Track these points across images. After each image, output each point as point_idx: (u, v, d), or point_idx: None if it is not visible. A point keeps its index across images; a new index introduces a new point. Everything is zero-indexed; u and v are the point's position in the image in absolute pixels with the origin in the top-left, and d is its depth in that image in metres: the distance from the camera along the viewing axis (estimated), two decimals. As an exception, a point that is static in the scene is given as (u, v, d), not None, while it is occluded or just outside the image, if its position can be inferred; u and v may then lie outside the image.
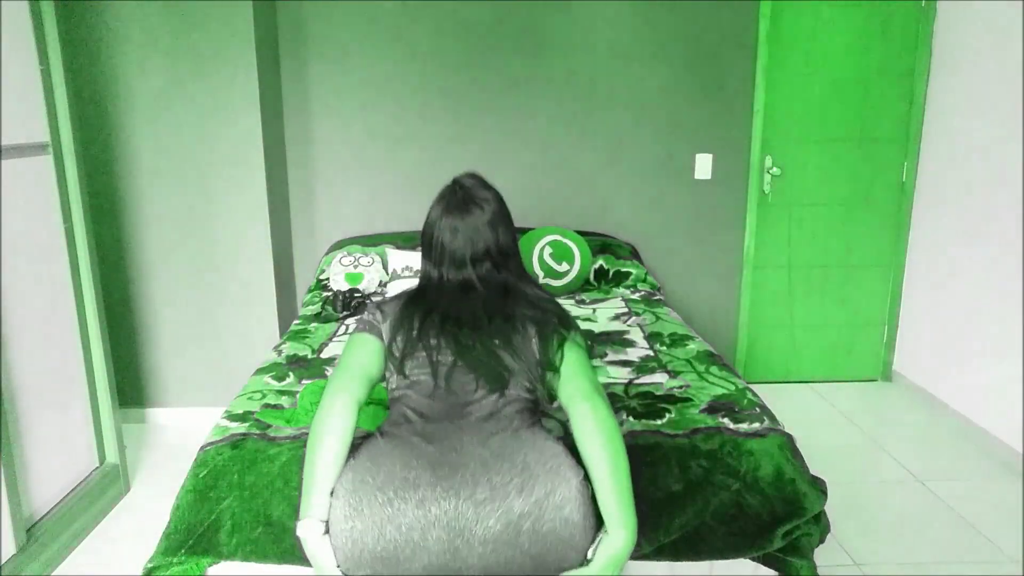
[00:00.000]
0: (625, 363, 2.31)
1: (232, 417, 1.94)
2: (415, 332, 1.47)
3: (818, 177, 3.66)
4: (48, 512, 2.35)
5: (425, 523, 1.28)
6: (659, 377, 2.19)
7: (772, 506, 1.75)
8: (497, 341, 1.45)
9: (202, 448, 1.81)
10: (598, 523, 1.37)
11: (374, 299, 1.48)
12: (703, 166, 3.62)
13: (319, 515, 1.35)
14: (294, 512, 1.69)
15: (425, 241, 1.53)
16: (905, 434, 3.27)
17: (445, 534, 1.28)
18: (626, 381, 2.16)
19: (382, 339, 1.49)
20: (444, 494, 1.29)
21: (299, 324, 2.74)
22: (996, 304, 3.08)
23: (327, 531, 1.35)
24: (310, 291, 3.23)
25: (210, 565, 1.70)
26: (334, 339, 2.56)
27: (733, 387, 2.12)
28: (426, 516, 1.28)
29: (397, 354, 1.47)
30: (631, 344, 2.51)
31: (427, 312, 1.48)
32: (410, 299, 1.53)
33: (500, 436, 1.38)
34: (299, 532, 1.36)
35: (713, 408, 1.97)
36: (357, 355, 1.48)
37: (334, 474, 1.35)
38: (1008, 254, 3.01)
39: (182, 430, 3.29)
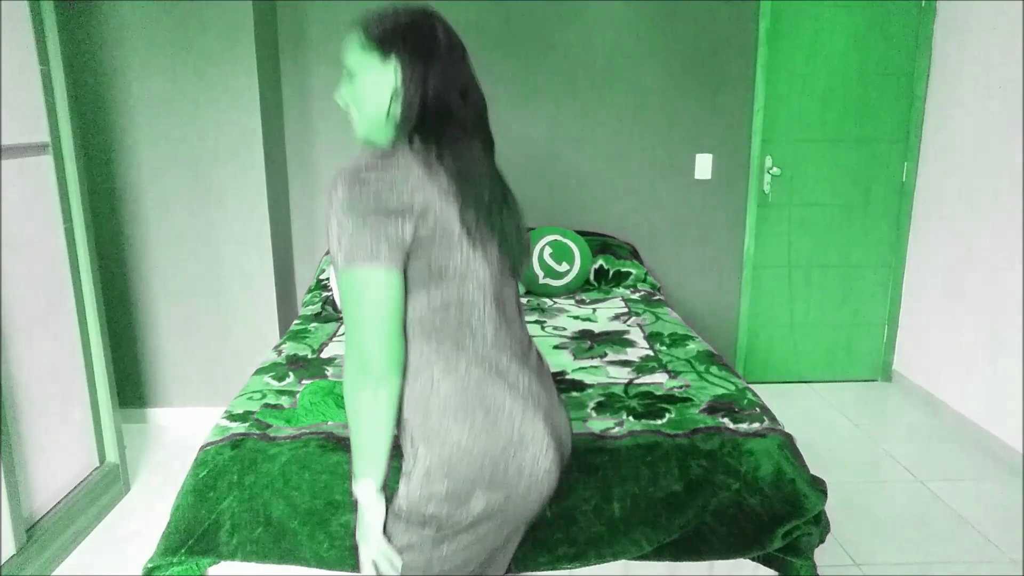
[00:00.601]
0: (625, 363, 2.31)
1: (232, 417, 1.94)
2: (485, 203, 1.23)
3: (818, 177, 3.66)
4: (48, 512, 2.35)
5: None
6: (659, 377, 2.19)
7: (772, 506, 1.75)
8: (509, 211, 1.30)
9: (202, 448, 1.81)
10: None
11: (364, 176, 1.16)
12: (703, 166, 3.62)
13: (377, 477, 1.24)
14: (294, 512, 1.69)
15: (439, 104, 1.25)
16: (905, 434, 3.27)
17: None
18: (626, 381, 2.16)
19: (405, 258, 1.18)
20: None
21: (299, 324, 2.74)
22: (996, 304, 3.08)
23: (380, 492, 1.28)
24: (310, 291, 3.23)
25: (210, 565, 1.70)
26: (334, 339, 2.56)
27: (733, 387, 2.12)
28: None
29: (472, 232, 1.20)
30: (631, 344, 2.51)
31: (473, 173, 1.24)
32: (453, 157, 1.22)
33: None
34: (356, 492, 1.26)
35: (713, 408, 1.97)
36: (392, 312, 1.18)
37: (388, 440, 1.23)
38: (1008, 254, 3.01)
39: (182, 430, 3.29)
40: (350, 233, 1.14)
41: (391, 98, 1.23)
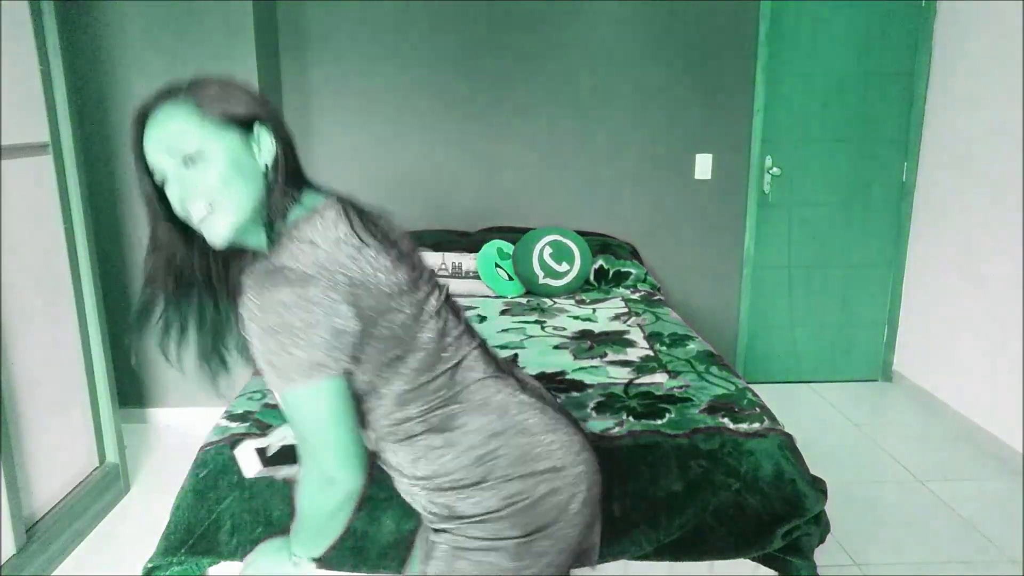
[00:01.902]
0: (625, 363, 2.31)
1: (232, 417, 1.94)
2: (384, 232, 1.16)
3: (818, 177, 3.66)
4: (48, 512, 2.35)
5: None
6: (659, 377, 2.19)
7: (772, 506, 1.75)
8: None
9: (202, 448, 1.81)
10: None
11: (276, 277, 1.01)
12: (703, 166, 3.62)
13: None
14: (294, 512, 1.69)
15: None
16: (905, 434, 3.27)
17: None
18: (626, 381, 2.16)
19: (353, 350, 1.06)
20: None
21: (299, 324, 2.74)
22: (996, 304, 3.08)
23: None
24: (310, 291, 3.22)
25: (210, 565, 1.70)
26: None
27: (733, 387, 2.12)
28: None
29: (411, 269, 1.14)
30: (631, 344, 2.51)
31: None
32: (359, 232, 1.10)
33: None
34: (302, 570, 1.23)
35: (713, 408, 1.97)
36: (346, 417, 1.07)
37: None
38: (1008, 254, 3.00)
39: (182, 430, 3.28)
40: (279, 351, 1.00)
41: (268, 171, 1.09)
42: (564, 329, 2.68)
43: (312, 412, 1.04)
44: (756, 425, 1.88)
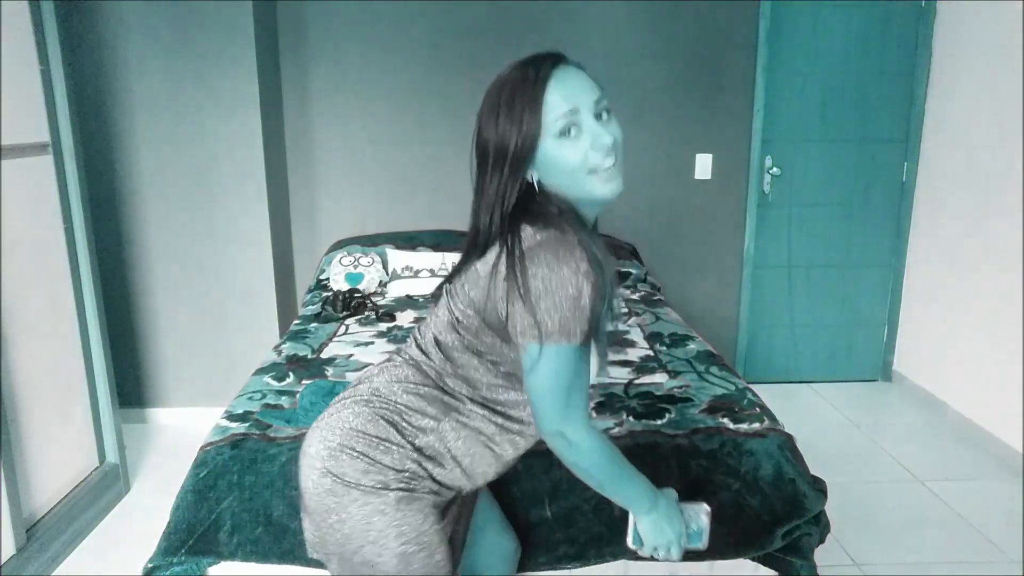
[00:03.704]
0: (625, 363, 2.31)
1: (232, 417, 1.93)
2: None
3: (818, 177, 3.66)
4: (48, 512, 2.35)
5: None
6: (659, 377, 2.19)
7: (772, 506, 1.75)
8: None
9: (202, 448, 1.81)
10: None
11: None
12: (703, 166, 3.62)
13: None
14: (294, 512, 1.69)
15: None
16: (905, 434, 3.27)
17: None
18: (626, 381, 2.16)
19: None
20: None
21: (299, 324, 2.74)
22: (996, 304, 3.08)
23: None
24: (310, 291, 3.23)
25: (210, 565, 1.70)
26: (334, 339, 2.56)
27: (733, 387, 2.12)
28: None
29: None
30: (631, 344, 2.50)
31: None
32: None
33: None
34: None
35: (713, 408, 1.97)
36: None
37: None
38: (1008, 254, 3.00)
39: (182, 430, 3.29)
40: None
41: None
42: (564, 329, 2.68)
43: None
44: (756, 425, 1.88)
